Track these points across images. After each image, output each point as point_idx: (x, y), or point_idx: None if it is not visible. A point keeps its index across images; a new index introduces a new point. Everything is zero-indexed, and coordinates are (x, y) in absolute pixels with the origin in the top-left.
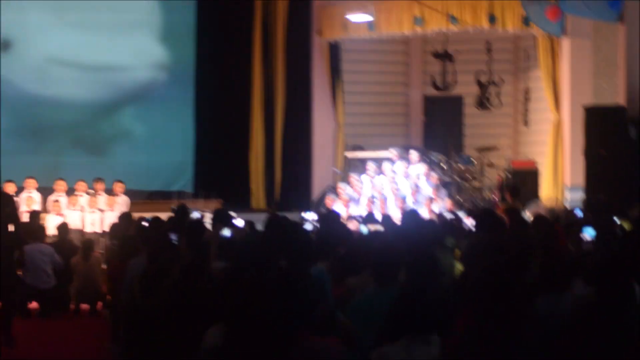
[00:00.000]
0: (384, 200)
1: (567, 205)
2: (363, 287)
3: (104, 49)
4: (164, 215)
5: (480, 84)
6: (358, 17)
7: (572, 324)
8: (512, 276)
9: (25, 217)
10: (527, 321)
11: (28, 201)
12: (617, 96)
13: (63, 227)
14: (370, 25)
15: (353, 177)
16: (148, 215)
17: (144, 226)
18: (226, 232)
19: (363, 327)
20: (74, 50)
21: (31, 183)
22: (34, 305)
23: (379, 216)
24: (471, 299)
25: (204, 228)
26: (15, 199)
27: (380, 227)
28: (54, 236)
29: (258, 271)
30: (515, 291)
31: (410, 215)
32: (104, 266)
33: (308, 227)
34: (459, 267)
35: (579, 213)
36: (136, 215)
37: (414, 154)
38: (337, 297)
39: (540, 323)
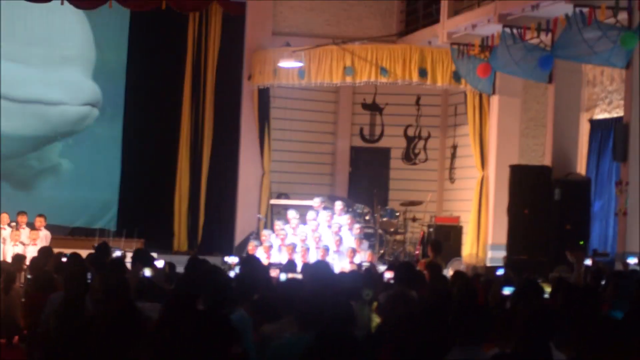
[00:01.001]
0: (307, 249)
1: (489, 263)
2: (280, 334)
3: (35, 83)
4: (86, 252)
5: (407, 138)
6: (289, 64)
7: None
8: (428, 329)
9: None
10: None
11: None
12: (544, 156)
13: None
14: (300, 72)
15: (277, 224)
16: (69, 251)
17: (62, 262)
18: (147, 272)
19: None
20: (5, 83)
21: None
22: None
23: (300, 264)
24: (386, 351)
25: (124, 267)
26: None
27: (299, 276)
28: None
29: (176, 313)
30: (430, 344)
31: (317, 267)
32: (22, 300)
33: (231, 273)
34: (375, 319)
35: (501, 271)
36: (57, 250)
37: (338, 205)
38: (254, 343)
39: None
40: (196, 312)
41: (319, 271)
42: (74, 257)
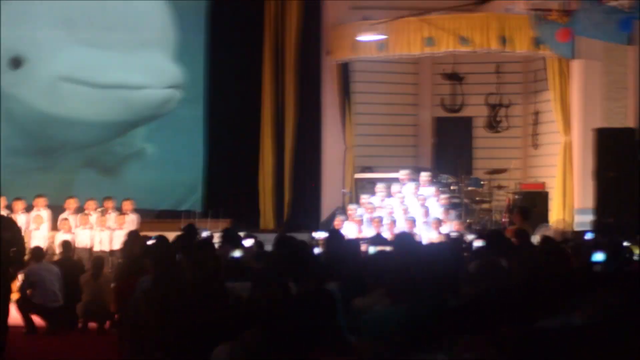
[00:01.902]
0: (394, 221)
1: (576, 228)
2: (371, 307)
3: (116, 68)
4: (173, 234)
5: (489, 106)
6: (368, 37)
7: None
8: (519, 297)
9: (33, 236)
10: (532, 342)
11: (37, 219)
12: (627, 118)
13: (67, 245)
14: (380, 45)
15: (363, 198)
16: (156, 234)
17: (150, 244)
18: (236, 253)
19: (374, 346)
20: (86, 69)
21: (41, 201)
22: (40, 322)
23: (387, 237)
24: (479, 321)
25: (213, 247)
26: (18, 221)
27: (388, 248)
28: (59, 254)
29: (273, 291)
30: (521, 311)
31: (403, 238)
32: (112, 284)
33: (316, 250)
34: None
35: (589, 235)
36: (145, 234)
37: (424, 176)
38: (345, 317)
39: (545, 343)
40: (288, 289)
41: (406, 242)
42: (161, 239)
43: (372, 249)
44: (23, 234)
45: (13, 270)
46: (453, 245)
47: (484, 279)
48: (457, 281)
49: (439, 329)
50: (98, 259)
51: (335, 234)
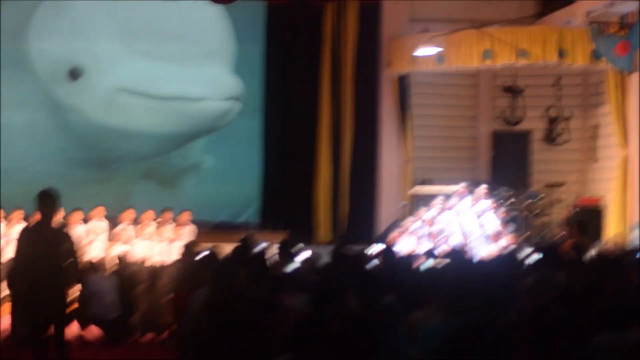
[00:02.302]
0: (450, 235)
1: (634, 243)
2: (427, 321)
3: (174, 79)
4: (231, 246)
5: (549, 119)
6: (427, 51)
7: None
8: (575, 312)
9: (91, 247)
10: (590, 358)
11: (95, 230)
12: None
13: (123, 257)
14: (439, 58)
15: (421, 211)
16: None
17: (207, 256)
18: (294, 264)
19: (430, 358)
20: (144, 80)
21: (99, 212)
22: (96, 333)
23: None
24: (533, 336)
25: (265, 259)
26: (76, 232)
27: (444, 261)
28: (115, 265)
29: (332, 306)
30: (578, 327)
31: (456, 253)
32: (169, 296)
33: (373, 262)
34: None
35: None
36: (202, 245)
37: (482, 189)
38: (403, 331)
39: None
40: (345, 302)
41: (459, 257)
42: (216, 251)
43: (428, 262)
44: (80, 245)
45: (67, 283)
46: (507, 260)
47: (540, 293)
48: (511, 296)
49: (494, 343)
50: (154, 271)
51: (389, 248)
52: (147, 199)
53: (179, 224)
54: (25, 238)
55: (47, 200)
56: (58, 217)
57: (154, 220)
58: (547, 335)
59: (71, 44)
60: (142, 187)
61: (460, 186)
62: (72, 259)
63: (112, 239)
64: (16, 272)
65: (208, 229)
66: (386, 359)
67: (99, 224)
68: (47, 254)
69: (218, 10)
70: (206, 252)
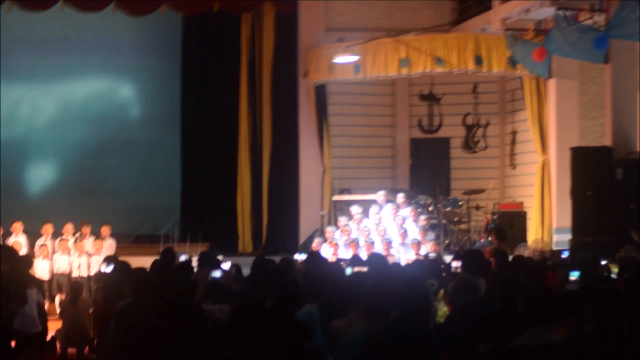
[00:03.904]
0: (371, 243)
1: (555, 247)
2: (349, 328)
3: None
4: (151, 259)
5: (466, 126)
6: (344, 59)
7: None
8: (497, 315)
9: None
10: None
11: (15, 246)
12: (604, 137)
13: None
14: (356, 67)
15: (340, 220)
16: (134, 258)
17: (128, 269)
18: (216, 274)
19: None
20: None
21: (18, 227)
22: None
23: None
24: (456, 340)
25: (192, 271)
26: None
27: (364, 269)
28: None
29: (246, 314)
30: (499, 330)
31: (376, 259)
32: (91, 309)
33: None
34: (443, 308)
35: (565, 254)
36: (122, 258)
37: (400, 197)
38: (324, 339)
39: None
40: (265, 310)
41: (380, 263)
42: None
43: (348, 270)
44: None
45: (13, 308)
46: (430, 267)
47: (461, 298)
48: (430, 302)
49: (416, 349)
50: (76, 285)
51: (314, 256)
52: (67, 211)
53: (99, 238)
54: None
55: None
56: None
57: (73, 234)
58: (468, 340)
59: None
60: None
61: (379, 194)
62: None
63: (32, 254)
64: None
65: (128, 243)
66: None
67: (19, 239)
68: None
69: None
70: (127, 266)
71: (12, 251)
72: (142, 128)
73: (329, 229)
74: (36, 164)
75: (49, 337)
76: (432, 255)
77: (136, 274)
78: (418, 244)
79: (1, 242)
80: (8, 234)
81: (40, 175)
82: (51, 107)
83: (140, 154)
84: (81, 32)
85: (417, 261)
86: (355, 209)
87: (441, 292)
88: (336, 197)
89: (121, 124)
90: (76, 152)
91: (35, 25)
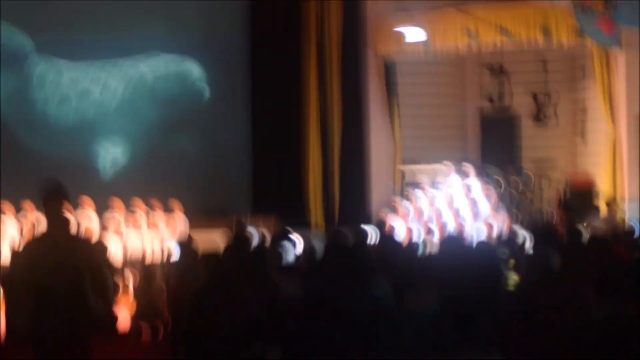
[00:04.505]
0: (440, 214)
1: (626, 218)
2: (424, 306)
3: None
4: (221, 233)
5: (536, 99)
6: (411, 33)
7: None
8: (568, 288)
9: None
10: (585, 330)
11: (84, 220)
12: None
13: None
14: (425, 45)
15: (409, 190)
16: (205, 232)
17: (203, 256)
18: (288, 250)
19: (427, 344)
20: None
21: (87, 201)
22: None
23: (435, 232)
24: (529, 311)
25: (263, 245)
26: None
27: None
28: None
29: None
30: (572, 302)
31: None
32: (164, 296)
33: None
34: (513, 277)
35: (636, 225)
36: (193, 233)
37: (469, 168)
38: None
39: (599, 330)
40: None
41: (454, 246)
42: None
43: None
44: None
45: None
46: (503, 244)
47: (536, 274)
48: (502, 270)
49: (486, 315)
50: (149, 270)
51: (388, 239)
52: (134, 190)
53: (170, 213)
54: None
55: (55, 200)
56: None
57: (144, 208)
58: (544, 312)
59: None
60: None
61: (447, 165)
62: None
63: (102, 228)
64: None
65: (199, 216)
66: (383, 348)
67: (88, 214)
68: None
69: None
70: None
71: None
72: (211, 106)
73: (398, 200)
74: (105, 143)
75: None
76: (504, 228)
77: (210, 259)
78: (490, 223)
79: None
80: (77, 206)
81: (109, 155)
82: (120, 87)
83: (210, 132)
84: (148, 12)
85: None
86: (423, 180)
87: (512, 261)
88: (404, 167)
89: (190, 102)
90: (145, 131)
91: (101, 5)
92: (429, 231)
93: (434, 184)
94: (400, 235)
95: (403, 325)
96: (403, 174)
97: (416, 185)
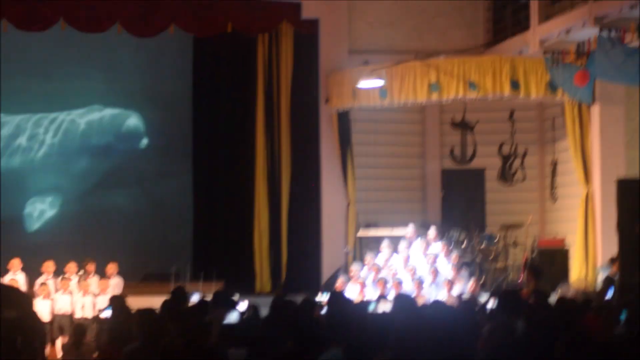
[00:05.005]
0: (399, 283)
1: (599, 286)
2: None
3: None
4: (161, 298)
5: (502, 156)
6: (369, 84)
7: None
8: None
9: None
10: None
11: (12, 284)
12: None
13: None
14: (382, 92)
15: (367, 257)
16: (142, 298)
17: (136, 311)
18: (232, 316)
19: None
20: None
21: (16, 264)
22: None
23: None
24: None
25: (204, 312)
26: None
27: (388, 307)
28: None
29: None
30: None
31: (403, 301)
32: (95, 355)
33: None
34: None
35: (611, 292)
36: (130, 298)
37: (432, 232)
38: None
39: None
40: (285, 355)
41: (406, 305)
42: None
43: (372, 306)
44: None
45: None
46: (465, 309)
47: (498, 343)
48: (469, 347)
49: None
50: (79, 327)
51: (338, 297)
52: (69, 249)
53: (104, 277)
54: None
55: None
56: None
57: (77, 272)
58: None
59: None
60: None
61: (409, 229)
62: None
63: (32, 293)
64: None
65: (136, 281)
66: None
67: (17, 277)
68: None
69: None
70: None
71: (18, 294)
72: (150, 158)
73: (354, 267)
74: (35, 197)
75: None
76: (466, 296)
77: (144, 315)
78: (450, 283)
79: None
80: (5, 271)
81: (39, 209)
82: (51, 136)
83: (149, 187)
84: (84, 55)
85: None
86: (385, 244)
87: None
88: (361, 233)
89: (128, 154)
90: (79, 184)
91: (35, 47)
92: (384, 291)
93: (393, 250)
94: (354, 297)
95: None
96: (360, 239)
97: (375, 251)
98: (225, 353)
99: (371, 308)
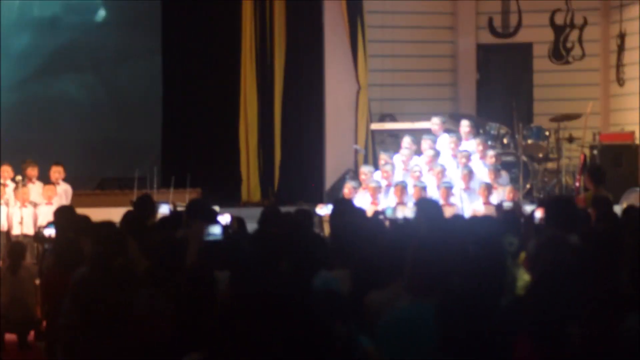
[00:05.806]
0: (422, 189)
1: None
2: (392, 303)
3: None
4: (121, 210)
5: (555, 27)
6: None
7: None
8: (593, 286)
9: None
10: (615, 345)
11: None
12: None
13: None
14: None
15: (381, 157)
16: (97, 210)
17: (88, 226)
18: (213, 231)
19: (396, 354)
20: None
21: None
22: None
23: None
24: (539, 318)
25: (179, 224)
26: None
27: (410, 211)
28: None
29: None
30: (598, 308)
31: (426, 207)
32: (36, 281)
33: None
34: (524, 277)
35: None
36: (81, 211)
37: (464, 125)
38: (359, 317)
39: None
40: (278, 278)
41: (434, 213)
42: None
43: (389, 212)
44: None
45: None
46: (506, 221)
47: (547, 262)
48: (509, 269)
49: (482, 331)
50: (17, 246)
51: (343, 206)
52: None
53: (49, 183)
54: None
55: None
56: None
57: (13, 178)
58: (555, 319)
59: None
60: None
61: (434, 122)
62: None
63: None
64: None
65: (90, 189)
66: (332, 355)
67: None
68: None
69: None
70: (87, 221)
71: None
72: (108, 35)
73: (365, 170)
74: None
75: None
76: (508, 204)
77: (100, 231)
78: (488, 189)
79: None
80: None
81: None
82: None
83: (106, 71)
84: None
85: (487, 216)
86: (406, 141)
87: (522, 254)
88: (375, 126)
89: (80, 29)
90: (18, 68)
91: None
92: (402, 199)
93: (415, 148)
94: (365, 206)
95: (365, 331)
96: (373, 134)
97: (392, 149)
98: (212, 275)
99: (388, 214)
